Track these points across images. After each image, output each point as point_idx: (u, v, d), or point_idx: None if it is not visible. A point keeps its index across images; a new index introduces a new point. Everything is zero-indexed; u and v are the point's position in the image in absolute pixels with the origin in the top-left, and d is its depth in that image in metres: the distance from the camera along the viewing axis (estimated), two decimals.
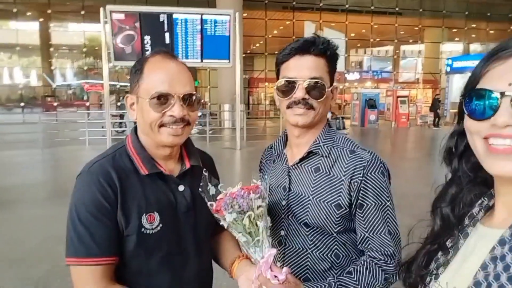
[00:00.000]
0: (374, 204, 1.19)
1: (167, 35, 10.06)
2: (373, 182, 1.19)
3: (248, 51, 27.24)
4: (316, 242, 1.25)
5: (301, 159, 1.29)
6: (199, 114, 18.40)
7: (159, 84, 1.12)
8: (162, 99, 1.11)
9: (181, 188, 1.21)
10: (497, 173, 0.69)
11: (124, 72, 27.14)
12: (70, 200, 1.11)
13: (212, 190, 1.11)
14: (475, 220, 0.79)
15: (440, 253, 0.84)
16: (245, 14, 21.22)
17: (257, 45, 28.02)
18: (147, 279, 1.16)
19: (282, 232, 1.29)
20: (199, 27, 10.35)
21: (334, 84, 1.30)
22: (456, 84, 20.62)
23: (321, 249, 1.25)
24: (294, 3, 25.66)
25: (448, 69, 21.89)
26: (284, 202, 1.29)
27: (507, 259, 0.65)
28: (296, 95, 1.21)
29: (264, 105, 29.38)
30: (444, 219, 0.84)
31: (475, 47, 28.36)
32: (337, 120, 16.01)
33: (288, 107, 1.24)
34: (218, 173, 1.40)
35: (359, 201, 1.19)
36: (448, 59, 22.80)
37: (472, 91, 0.70)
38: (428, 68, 28.84)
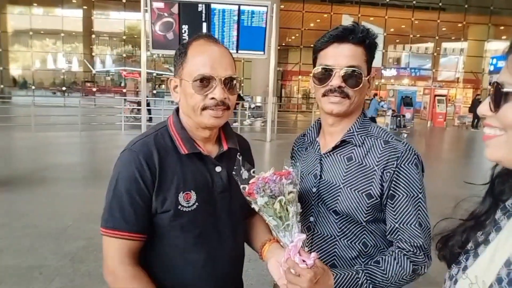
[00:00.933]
0: (406, 195, 1.18)
1: (204, 24, 10.15)
2: (406, 173, 1.18)
3: (283, 44, 27.04)
4: (344, 230, 1.25)
5: (334, 148, 1.29)
6: (252, 105, 18.42)
7: (202, 66, 1.15)
8: (205, 81, 1.15)
9: (218, 169, 1.24)
10: None
11: (161, 61, 27.75)
12: (112, 173, 1.18)
13: (245, 174, 1.14)
14: (509, 214, 0.76)
15: (479, 233, 0.81)
16: (282, 6, 21.05)
17: (293, 37, 27.78)
18: (183, 255, 1.20)
19: (311, 219, 1.31)
20: (236, 17, 10.37)
21: (372, 73, 1.29)
22: None
23: (349, 237, 1.25)
24: None
25: (492, 68, 20.86)
26: (314, 189, 1.30)
27: None
28: (332, 83, 1.21)
29: (297, 98, 29.19)
30: (493, 202, 0.81)
31: None
32: (398, 118, 15.51)
33: (324, 95, 1.24)
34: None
35: (390, 191, 1.19)
36: (492, 58, 21.73)
37: None
38: (470, 67, 27.61)
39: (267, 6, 10.45)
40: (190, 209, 1.17)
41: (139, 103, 14.60)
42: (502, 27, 26.90)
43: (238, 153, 1.20)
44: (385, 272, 1.14)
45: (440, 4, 25.87)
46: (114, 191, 1.14)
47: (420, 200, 1.19)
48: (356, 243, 1.25)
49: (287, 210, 1.08)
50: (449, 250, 0.85)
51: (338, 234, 1.26)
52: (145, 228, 1.16)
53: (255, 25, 10.58)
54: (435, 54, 28.21)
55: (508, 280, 0.65)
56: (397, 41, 29.22)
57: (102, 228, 1.15)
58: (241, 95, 16.63)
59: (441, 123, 19.78)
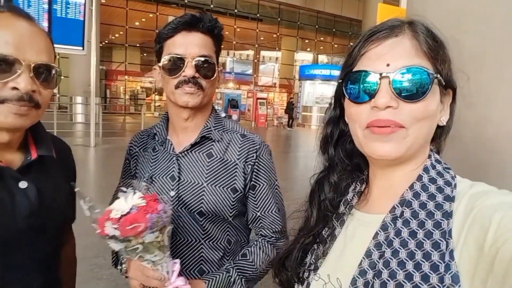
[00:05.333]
0: (265, 184, 1.23)
1: (3, 4, 8.51)
2: (264, 163, 1.23)
3: (106, 41, 25.37)
4: (209, 230, 1.21)
5: (193, 145, 1.22)
6: (223, 115, 16.12)
7: (1, 44, 0.85)
8: (4, 65, 0.84)
9: (22, 184, 0.93)
10: (377, 155, 0.67)
11: None
12: None
13: (87, 212, 0.90)
14: (350, 206, 0.78)
15: (316, 244, 0.80)
16: (103, 0, 19.61)
17: (117, 35, 26.24)
18: None
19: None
20: (46, 6, 9.07)
21: (219, 67, 1.26)
22: (307, 90, 22.87)
23: (214, 238, 1.22)
24: None
25: (299, 75, 24.17)
26: (173, 193, 1.20)
27: (394, 244, 0.62)
28: (186, 73, 1.14)
29: (124, 99, 27.67)
30: (321, 209, 0.81)
31: (322, 58, 31.94)
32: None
33: (177, 86, 1.15)
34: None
35: (252, 182, 1.22)
36: (301, 66, 25.17)
37: (351, 74, 0.69)
38: (284, 74, 31.32)
39: None
40: None
41: None
42: (307, 40, 31.36)
43: (77, 188, 0.91)
44: (253, 263, 1.18)
45: (258, 15, 28.45)
46: None
47: (276, 186, 1.27)
48: (221, 242, 1.23)
49: (163, 240, 0.95)
50: (289, 271, 0.83)
51: (203, 237, 1.21)
52: None
53: (71, 17, 9.46)
54: (255, 60, 30.86)
55: (375, 272, 0.63)
56: (222, 46, 30.74)
57: None
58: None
59: (263, 124, 21.76)
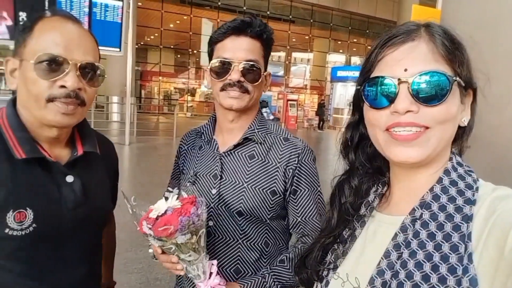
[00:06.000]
0: (307, 189, 1.21)
1: (54, 10, 8.93)
2: (307, 168, 1.22)
3: (142, 43, 26.02)
4: (247, 230, 1.21)
5: (236, 146, 1.24)
6: (271, 117, 16.84)
7: (52, 45, 0.91)
8: (54, 65, 0.90)
9: (69, 179, 1.00)
10: (399, 160, 0.68)
11: None
12: None
13: (130, 210, 0.97)
14: (371, 208, 0.78)
15: (336, 244, 0.81)
16: (140, 3, 20.17)
17: (152, 37, 26.88)
18: None
19: (210, 223, 1.21)
20: (87, 9, 9.39)
21: (268, 70, 1.26)
22: (339, 92, 22.57)
23: (252, 238, 1.22)
24: None
25: (331, 77, 23.86)
26: (214, 191, 1.22)
27: (412, 246, 0.63)
28: (231, 77, 1.17)
29: (158, 99, 28.33)
30: (342, 211, 0.82)
31: (355, 60, 31.45)
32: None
33: (222, 89, 1.19)
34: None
35: (293, 187, 1.21)
36: (332, 68, 24.86)
37: (370, 80, 0.70)
38: (315, 75, 31.06)
39: (122, 1, 9.81)
40: (22, 232, 0.89)
41: None
42: (339, 42, 30.97)
43: (121, 190, 0.99)
44: (290, 270, 1.17)
45: (290, 16, 28.39)
46: None
47: (319, 192, 1.25)
48: (258, 244, 1.23)
49: (200, 241, 0.98)
50: (309, 269, 0.84)
51: (240, 236, 1.21)
52: None
53: (110, 19, 9.75)
54: (287, 62, 30.78)
55: (392, 272, 0.64)
56: None
57: None
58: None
59: (293, 125, 21.62)
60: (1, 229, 0.88)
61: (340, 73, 22.85)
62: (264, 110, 17.32)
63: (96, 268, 1.14)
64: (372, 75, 0.71)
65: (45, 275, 0.97)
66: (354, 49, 31.51)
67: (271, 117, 16.94)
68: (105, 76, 1.07)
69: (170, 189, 1.01)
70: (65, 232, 1.00)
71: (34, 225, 0.92)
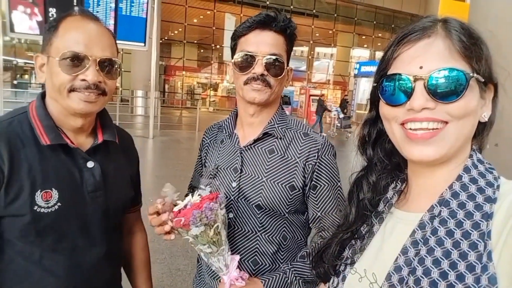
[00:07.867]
0: (327, 185, 1.22)
1: (76, 10, 9.14)
2: (327, 164, 1.22)
3: (166, 37, 26.30)
4: (265, 224, 1.23)
5: (256, 140, 1.26)
6: (341, 115, 16.97)
7: (74, 43, 1.02)
8: (76, 60, 1.01)
9: (90, 164, 1.11)
10: (416, 159, 0.68)
11: (23, 48, 24.35)
12: None
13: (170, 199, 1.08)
14: (389, 204, 0.78)
15: (354, 240, 0.82)
16: None
17: (176, 32, 27.15)
18: (40, 263, 1.04)
19: (231, 215, 1.24)
20: (113, 5, 9.61)
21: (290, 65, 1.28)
22: (363, 87, 22.24)
23: (270, 231, 1.24)
24: None
25: (356, 72, 23.52)
26: (234, 184, 1.25)
27: (430, 243, 0.63)
28: (255, 70, 1.18)
29: (181, 94, 28.66)
30: (360, 207, 0.83)
31: (380, 55, 30.90)
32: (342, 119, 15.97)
33: (246, 83, 1.20)
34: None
35: (313, 182, 1.21)
36: (357, 63, 24.49)
37: (386, 78, 0.70)
38: (338, 71, 30.67)
39: None
40: (50, 210, 1.02)
41: None
42: (364, 37, 30.46)
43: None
44: (311, 265, 1.16)
45: (314, 11, 28.09)
46: None
47: (339, 188, 1.24)
48: (276, 237, 1.24)
49: (219, 234, 1.04)
50: (326, 263, 0.85)
51: (259, 229, 1.23)
52: None
53: (135, 14, 9.94)
54: (309, 57, 30.52)
55: (410, 268, 0.64)
56: None
57: None
58: (324, 105, 16.08)
59: (315, 121, 21.50)
60: (31, 207, 0.99)
61: (364, 68, 22.49)
62: (334, 109, 17.29)
63: (117, 252, 1.24)
64: (388, 73, 0.71)
65: (72, 252, 1.08)
66: (379, 44, 30.89)
67: (341, 115, 16.90)
68: (123, 70, 1.14)
69: (202, 186, 1.10)
70: (87, 212, 1.10)
71: (59, 203, 1.03)
